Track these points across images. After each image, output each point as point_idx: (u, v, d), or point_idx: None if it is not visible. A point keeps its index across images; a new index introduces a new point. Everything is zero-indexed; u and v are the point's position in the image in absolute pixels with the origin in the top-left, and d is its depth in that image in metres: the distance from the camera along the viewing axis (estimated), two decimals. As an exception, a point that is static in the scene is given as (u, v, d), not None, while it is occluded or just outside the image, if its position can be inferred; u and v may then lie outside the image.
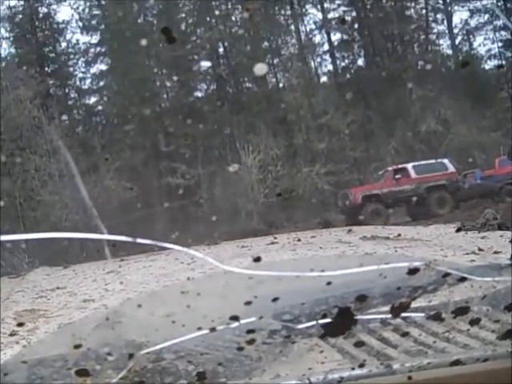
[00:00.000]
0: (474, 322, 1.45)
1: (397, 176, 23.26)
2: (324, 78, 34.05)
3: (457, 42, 33.90)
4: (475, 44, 33.97)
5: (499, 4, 32.09)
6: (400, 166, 23.82)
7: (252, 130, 27.92)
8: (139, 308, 1.57)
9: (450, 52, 34.45)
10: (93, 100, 32.98)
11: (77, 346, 1.30)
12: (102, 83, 32.81)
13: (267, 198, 25.49)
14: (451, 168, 23.31)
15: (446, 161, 23.58)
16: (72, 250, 19.89)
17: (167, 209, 24.33)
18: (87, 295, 9.70)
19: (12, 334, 6.21)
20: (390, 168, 24.19)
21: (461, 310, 1.45)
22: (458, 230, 14.28)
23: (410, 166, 23.63)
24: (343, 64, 33.84)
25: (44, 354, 1.48)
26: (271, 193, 25.59)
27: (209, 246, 16.40)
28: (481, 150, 27.29)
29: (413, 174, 23.24)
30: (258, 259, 1.31)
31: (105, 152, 27.84)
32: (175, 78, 31.63)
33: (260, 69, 1.49)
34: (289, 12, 33.24)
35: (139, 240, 1.18)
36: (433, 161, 23.72)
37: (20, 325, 6.86)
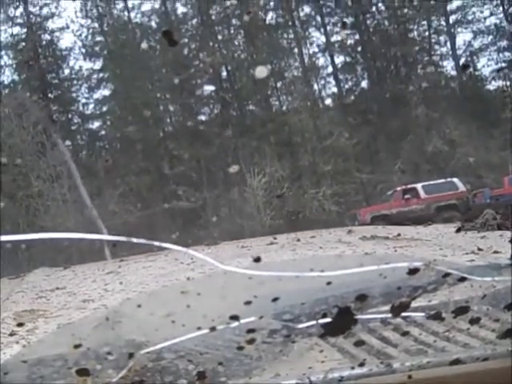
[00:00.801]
0: (474, 321, 1.46)
1: (406, 196, 22.97)
2: (328, 101, 34.05)
3: (460, 63, 33.88)
4: (479, 65, 33.92)
5: (503, 24, 32.14)
6: (409, 186, 23.53)
7: (257, 152, 27.78)
8: (139, 308, 1.55)
9: (454, 73, 34.42)
10: (96, 125, 33.01)
11: (77, 346, 1.30)
12: (105, 108, 32.85)
13: (273, 219, 25.18)
14: (461, 187, 22.99)
15: (455, 180, 23.28)
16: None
17: (171, 231, 24.02)
18: (87, 295, 9.68)
19: (12, 334, 6.17)
20: (398, 188, 23.90)
21: (461, 310, 1.45)
22: (458, 231, 14.27)
23: (419, 185, 23.35)
24: (347, 86, 33.88)
25: (44, 354, 1.47)
26: (277, 215, 25.29)
27: (208, 246, 16.55)
28: (489, 170, 27.02)
29: (422, 194, 22.94)
30: (257, 259, 1.30)
31: (109, 177, 27.66)
32: (179, 102, 31.56)
33: (260, 71, 1.56)
34: (292, 35, 33.36)
35: (137, 240, 1.19)
36: (442, 180, 23.44)
37: (20, 325, 6.85)
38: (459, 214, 22.45)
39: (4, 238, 1.12)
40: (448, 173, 25.57)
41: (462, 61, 33.73)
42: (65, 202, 23.89)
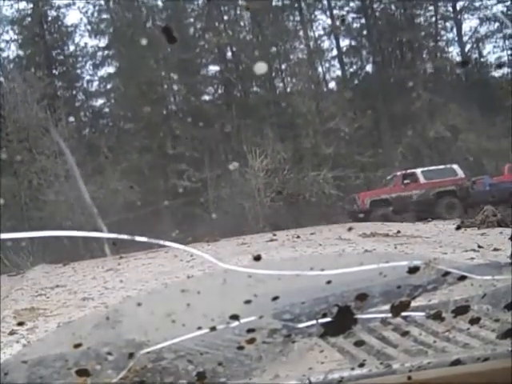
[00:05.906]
0: (474, 321, 1.47)
1: (405, 181, 23.07)
2: (332, 84, 34.00)
3: (466, 49, 33.72)
4: (484, 52, 33.80)
5: (509, 12, 31.84)
6: (409, 171, 23.62)
7: (259, 133, 27.77)
8: (139, 307, 1.57)
9: (459, 59, 34.29)
10: (100, 102, 32.96)
11: (77, 346, 1.30)
12: (109, 86, 32.77)
13: (274, 201, 25.29)
14: (460, 174, 23.09)
15: (455, 166, 23.37)
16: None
17: (172, 211, 24.19)
18: (86, 293, 9.61)
19: (11, 333, 6.12)
20: (398, 173, 23.96)
21: (461, 309, 1.45)
22: (458, 228, 14.32)
23: (418, 171, 23.44)
24: (351, 70, 33.77)
25: (44, 354, 1.47)
26: (278, 196, 25.39)
27: (208, 243, 16.46)
28: (490, 157, 27.03)
29: (422, 179, 23.04)
30: (258, 258, 1.30)
31: (111, 153, 27.78)
32: (183, 82, 31.51)
33: (260, 68, 1.52)
34: (298, 18, 33.19)
35: (138, 238, 1.19)
36: (442, 166, 23.53)
37: (20, 324, 6.79)
38: (458, 200, 22.61)
39: (4, 235, 1.12)
40: (449, 159, 25.61)
41: (468, 48, 33.63)
42: (67, 178, 23.95)
